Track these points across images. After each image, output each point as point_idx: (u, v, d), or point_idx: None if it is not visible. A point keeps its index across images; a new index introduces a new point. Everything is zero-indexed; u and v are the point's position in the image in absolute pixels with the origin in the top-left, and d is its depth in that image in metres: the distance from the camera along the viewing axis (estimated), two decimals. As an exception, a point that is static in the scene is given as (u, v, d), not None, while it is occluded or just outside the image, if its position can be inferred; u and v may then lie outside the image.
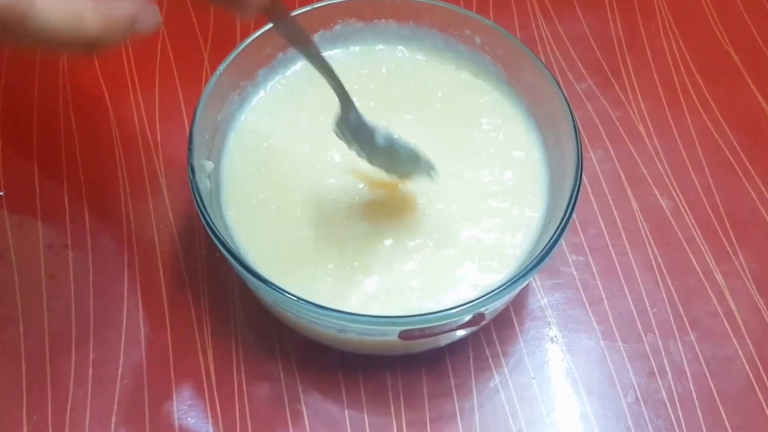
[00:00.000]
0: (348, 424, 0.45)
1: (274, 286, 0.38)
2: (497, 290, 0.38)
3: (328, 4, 0.47)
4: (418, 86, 0.48)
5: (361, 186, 0.45)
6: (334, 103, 0.45)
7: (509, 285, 0.38)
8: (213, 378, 0.46)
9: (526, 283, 0.40)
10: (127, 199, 0.51)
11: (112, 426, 0.44)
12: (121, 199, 0.51)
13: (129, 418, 0.44)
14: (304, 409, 0.45)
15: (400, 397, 0.45)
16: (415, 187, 0.45)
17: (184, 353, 0.46)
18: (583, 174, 0.41)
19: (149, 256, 0.49)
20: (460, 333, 0.44)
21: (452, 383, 0.46)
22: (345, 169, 0.45)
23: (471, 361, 0.47)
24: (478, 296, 0.38)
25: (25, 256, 0.49)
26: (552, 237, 0.40)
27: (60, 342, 0.46)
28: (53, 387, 0.45)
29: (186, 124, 0.54)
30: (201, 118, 0.42)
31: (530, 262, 0.39)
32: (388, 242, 0.43)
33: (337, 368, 0.46)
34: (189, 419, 0.44)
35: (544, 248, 0.39)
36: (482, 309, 0.39)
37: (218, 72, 0.44)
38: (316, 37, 0.48)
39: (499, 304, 0.41)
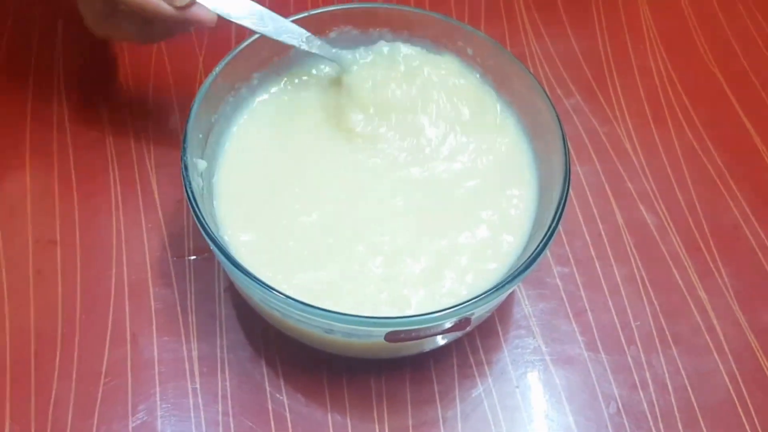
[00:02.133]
0: (331, 428, 0.45)
1: (261, 283, 0.38)
2: (483, 295, 0.39)
3: (324, 12, 0.48)
4: (410, 92, 0.49)
5: (356, 188, 0.45)
6: (328, 106, 0.46)
7: (495, 290, 0.39)
8: (197, 378, 0.46)
9: (512, 289, 0.41)
10: (117, 197, 0.51)
11: (95, 422, 0.44)
12: (111, 197, 0.51)
13: (112, 414, 0.44)
14: (287, 412, 0.45)
15: (383, 402, 0.46)
16: (407, 188, 0.45)
17: (169, 352, 0.46)
18: (570, 187, 0.42)
19: (137, 253, 0.49)
20: (446, 338, 0.44)
21: (436, 390, 0.46)
22: (340, 171, 0.46)
23: (455, 369, 0.47)
24: (463, 300, 0.39)
25: (13, 250, 0.49)
26: (537, 246, 0.40)
27: (46, 337, 0.46)
28: (37, 381, 0.45)
29: (178, 125, 0.55)
30: (196, 117, 0.43)
31: (516, 269, 0.40)
32: (381, 249, 0.43)
33: (321, 372, 0.46)
34: (172, 419, 0.44)
35: (530, 256, 0.40)
36: (467, 313, 0.39)
37: (214, 73, 0.44)
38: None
39: (484, 309, 0.41)
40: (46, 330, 0.46)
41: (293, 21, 0.47)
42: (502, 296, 0.41)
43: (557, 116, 0.44)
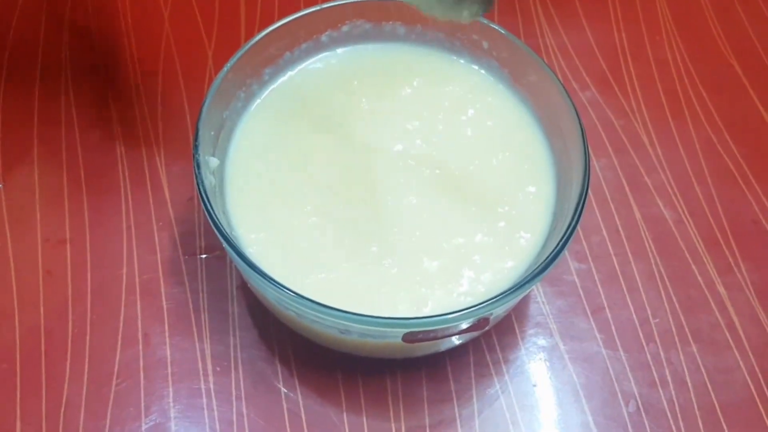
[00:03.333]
0: (347, 427, 0.44)
1: (276, 283, 0.37)
2: (503, 294, 0.38)
3: (336, 5, 0.47)
4: (425, 86, 0.48)
5: (368, 186, 0.44)
6: (340, 102, 0.45)
7: (515, 289, 0.38)
8: (210, 378, 0.45)
9: (531, 288, 0.40)
10: (128, 196, 0.51)
11: (107, 423, 0.43)
12: (121, 196, 0.51)
13: (124, 416, 0.44)
14: (302, 412, 0.44)
15: (399, 401, 0.45)
16: (421, 186, 0.45)
17: (182, 351, 0.46)
18: (590, 184, 0.41)
19: (148, 252, 0.49)
20: (463, 338, 0.44)
21: (452, 389, 0.46)
22: (351, 169, 0.45)
23: (472, 367, 0.46)
24: (482, 300, 0.38)
25: (22, 250, 0.49)
26: (557, 245, 0.39)
27: (56, 337, 0.46)
28: (48, 382, 0.44)
29: (188, 122, 0.54)
30: (207, 114, 0.42)
31: (536, 268, 0.39)
32: (396, 248, 0.43)
33: (336, 371, 0.46)
34: (185, 420, 0.44)
35: (549, 255, 0.39)
36: (486, 313, 0.38)
37: (225, 69, 0.43)
38: (323, 37, 0.48)
39: (503, 309, 0.40)
40: (57, 330, 0.46)
41: (305, 15, 0.46)
42: (521, 295, 0.40)
43: (576, 112, 0.43)
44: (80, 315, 0.47)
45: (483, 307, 0.38)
